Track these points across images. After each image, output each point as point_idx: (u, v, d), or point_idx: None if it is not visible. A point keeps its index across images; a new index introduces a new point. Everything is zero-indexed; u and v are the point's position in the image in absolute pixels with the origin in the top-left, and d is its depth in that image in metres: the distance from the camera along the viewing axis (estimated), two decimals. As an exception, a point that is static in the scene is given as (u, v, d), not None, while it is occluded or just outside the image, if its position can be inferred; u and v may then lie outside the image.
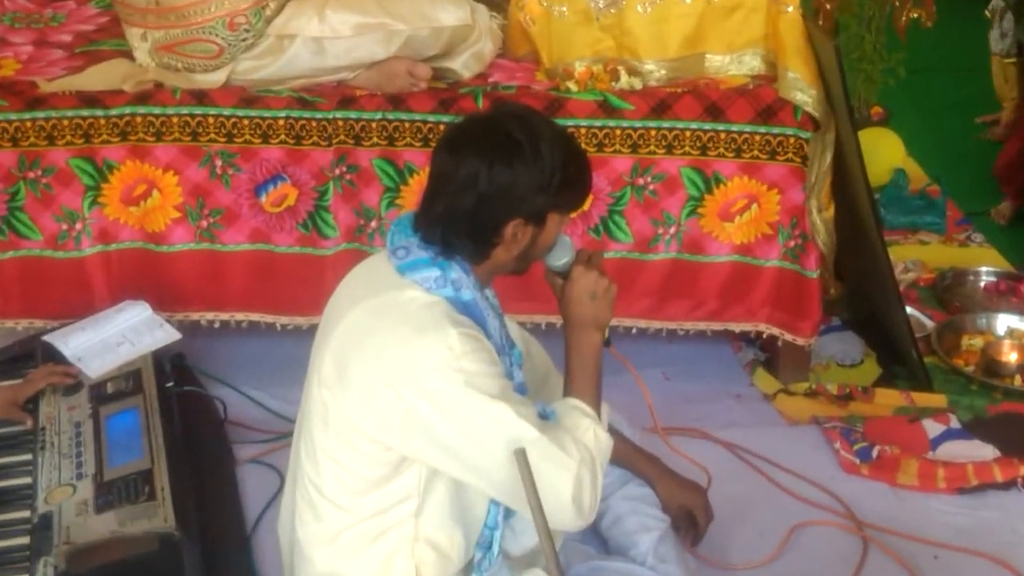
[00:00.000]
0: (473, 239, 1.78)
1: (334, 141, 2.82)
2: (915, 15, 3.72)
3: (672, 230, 2.94)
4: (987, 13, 4.95)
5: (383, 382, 1.70)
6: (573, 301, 1.92)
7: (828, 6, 3.80)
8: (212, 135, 2.83)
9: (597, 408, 1.89)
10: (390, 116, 2.81)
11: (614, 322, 2.72)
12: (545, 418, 1.81)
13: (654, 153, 2.85)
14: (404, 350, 1.71)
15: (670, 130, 2.84)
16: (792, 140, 2.84)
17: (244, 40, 2.73)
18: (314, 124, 2.81)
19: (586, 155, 1.89)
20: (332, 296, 1.90)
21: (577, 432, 1.81)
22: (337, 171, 2.85)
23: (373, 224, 2.92)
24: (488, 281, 1.90)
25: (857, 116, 4.04)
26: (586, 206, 2.55)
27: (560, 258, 1.96)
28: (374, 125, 2.82)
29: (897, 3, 3.69)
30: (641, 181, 2.89)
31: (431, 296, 1.76)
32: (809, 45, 2.80)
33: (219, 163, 2.86)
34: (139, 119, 2.79)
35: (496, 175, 1.74)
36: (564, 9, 2.87)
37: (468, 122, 1.87)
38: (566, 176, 1.79)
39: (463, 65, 2.88)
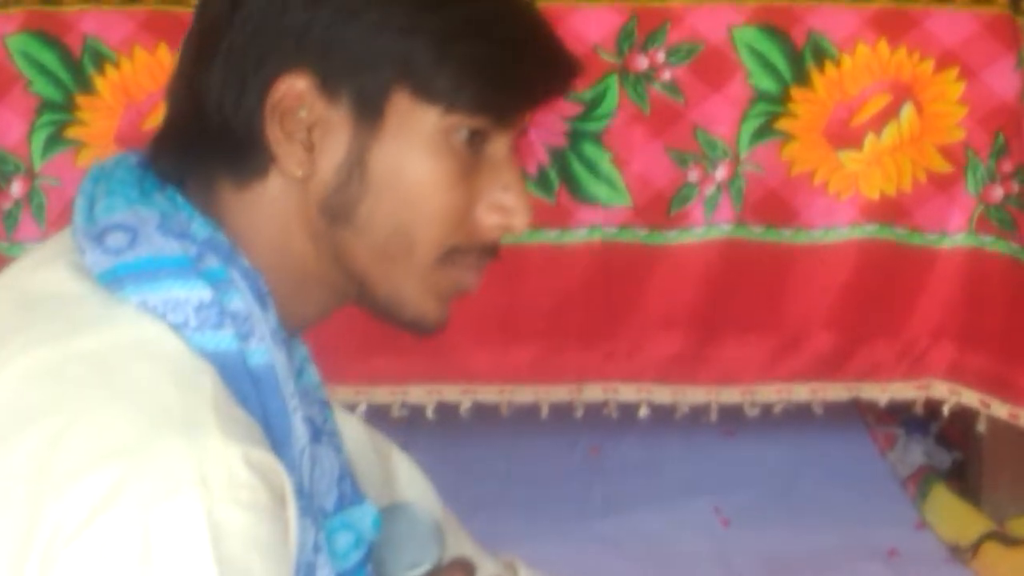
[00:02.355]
0: (224, 116, 1.31)
1: None
2: None
3: (721, 173, 2.58)
4: None
5: (43, 529, 1.16)
6: None
7: None
8: None
9: None
10: None
11: (598, 394, 2.69)
12: None
13: None
14: (109, 465, 1.19)
15: None
16: None
17: None
18: None
19: None
20: None
21: None
22: None
23: (16, 189, 2.58)
24: (299, 313, 1.41)
25: None
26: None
27: (416, 560, 1.55)
28: None
29: None
30: (644, 61, 2.54)
31: (186, 350, 1.28)
32: None
33: None
34: None
35: None
36: None
37: None
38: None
39: None
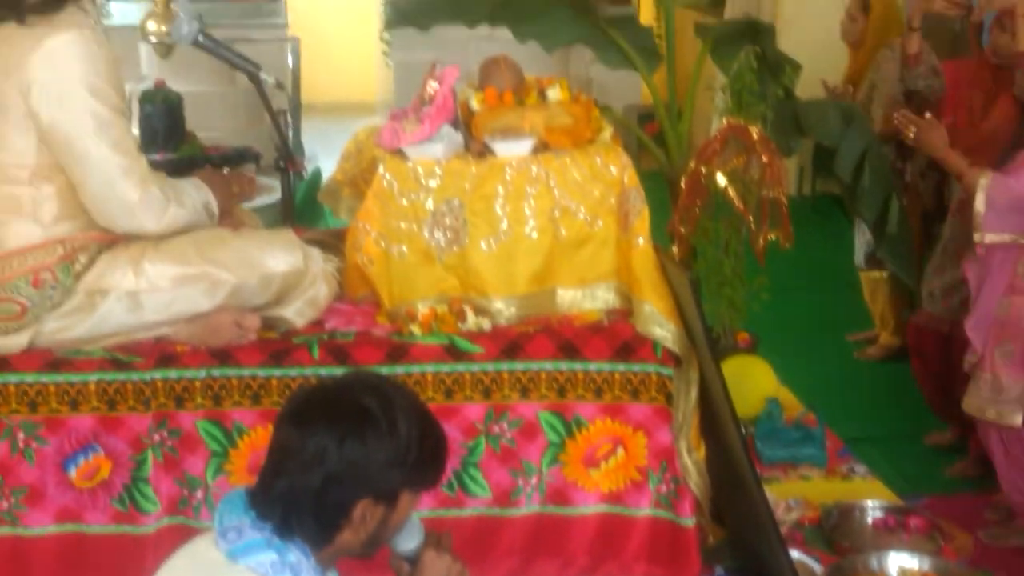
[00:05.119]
0: (317, 520, 1.84)
1: (153, 404, 2.89)
2: (773, 237, 3.90)
3: (534, 481, 3.03)
4: (854, 229, 5.39)
5: None
6: None
7: (682, 230, 4.03)
8: (14, 405, 2.87)
9: None
10: (215, 373, 2.89)
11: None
12: None
13: (508, 398, 2.98)
14: None
15: (524, 372, 2.97)
16: (654, 378, 2.99)
17: (50, 298, 2.79)
18: (130, 387, 2.88)
19: (442, 428, 2.02)
20: None
21: None
22: (156, 437, 2.91)
23: (199, 495, 2.95)
24: (331, 564, 1.95)
25: (723, 344, 4.37)
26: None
27: (408, 542, 2.03)
28: (198, 384, 2.90)
29: (753, 226, 3.88)
30: (496, 429, 3.00)
31: None
32: (663, 277, 3.03)
33: (21, 436, 2.88)
34: (-71, 392, 2.81)
35: (347, 451, 1.82)
36: (404, 248, 3.05)
37: (316, 391, 1.96)
38: (422, 452, 1.90)
39: (296, 312, 3.00)
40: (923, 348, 4.58)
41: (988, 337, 3.77)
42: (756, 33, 4.59)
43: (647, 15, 9.34)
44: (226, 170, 3.22)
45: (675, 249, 4.08)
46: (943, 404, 4.51)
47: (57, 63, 2.65)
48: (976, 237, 3.68)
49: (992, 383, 3.77)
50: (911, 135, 3.93)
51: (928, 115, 4.02)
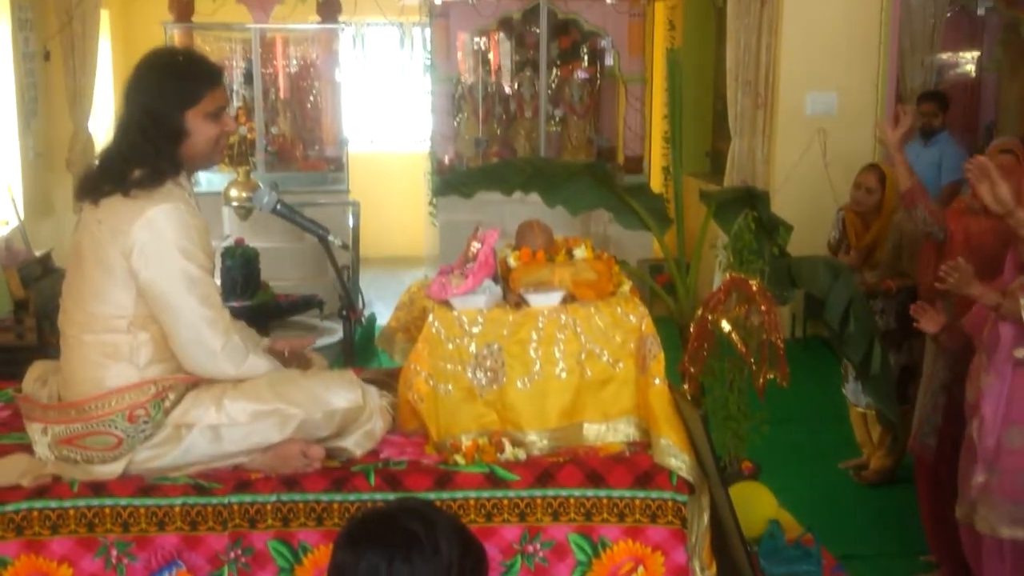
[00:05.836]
0: None
1: (229, 525, 2.84)
2: (771, 376, 3.87)
3: None
4: (842, 369, 5.36)
5: None
6: None
7: (692, 370, 4.02)
8: (108, 525, 2.83)
9: None
10: (284, 498, 2.84)
11: None
12: None
13: (541, 521, 2.90)
14: None
15: (555, 498, 2.90)
16: (671, 503, 2.92)
17: (143, 431, 2.78)
18: (210, 509, 2.83)
19: (482, 547, 1.98)
20: None
21: None
22: (232, 554, 2.85)
23: None
24: None
25: (730, 472, 4.28)
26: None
27: None
28: (269, 507, 2.85)
29: (754, 367, 3.86)
30: (531, 548, 2.92)
31: None
32: (677, 413, 2.96)
33: (115, 552, 2.83)
34: (35, 513, 2.80)
35: (395, 571, 1.81)
36: (450, 387, 3.02)
37: (367, 518, 1.95)
38: (463, 569, 1.88)
39: (355, 443, 2.97)
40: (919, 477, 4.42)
41: (1005, 465, 3.61)
42: (752, 199, 4.61)
43: (657, 183, 9.60)
44: (287, 352, 3.22)
45: (685, 387, 4.02)
46: (936, 535, 4.31)
47: (155, 230, 2.70)
48: (1019, 353, 3.55)
49: (1015, 505, 3.59)
50: (952, 280, 3.77)
51: (960, 260, 3.85)
